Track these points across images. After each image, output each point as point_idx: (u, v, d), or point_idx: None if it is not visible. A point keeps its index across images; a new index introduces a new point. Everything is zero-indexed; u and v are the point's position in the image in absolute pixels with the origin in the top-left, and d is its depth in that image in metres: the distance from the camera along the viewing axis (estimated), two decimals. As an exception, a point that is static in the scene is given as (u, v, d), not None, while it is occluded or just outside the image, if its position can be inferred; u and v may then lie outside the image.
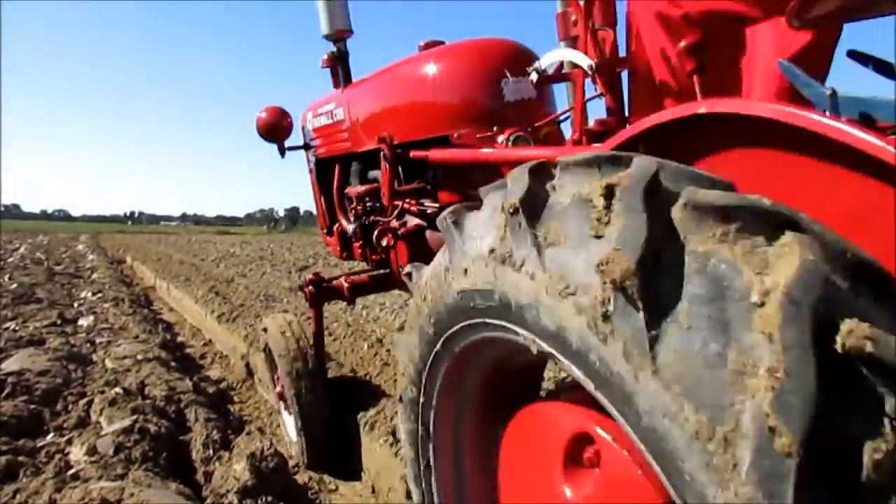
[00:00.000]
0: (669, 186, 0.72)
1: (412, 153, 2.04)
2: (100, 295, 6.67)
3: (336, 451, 2.36)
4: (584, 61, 1.39)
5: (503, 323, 0.91)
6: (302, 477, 2.38)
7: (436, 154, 1.93)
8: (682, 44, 1.23)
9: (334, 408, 2.40)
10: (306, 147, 2.83)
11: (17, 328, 4.54)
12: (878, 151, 0.75)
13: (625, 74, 1.45)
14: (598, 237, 0.73)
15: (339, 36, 2.59)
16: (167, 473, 2.01)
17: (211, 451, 2.28)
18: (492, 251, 0.89)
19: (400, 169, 2.12)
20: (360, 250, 2.41)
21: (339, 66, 2.61)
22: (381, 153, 2.10)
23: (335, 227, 2.61)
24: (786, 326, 0.57)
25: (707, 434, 0.60)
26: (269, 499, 1.94)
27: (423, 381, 1.19)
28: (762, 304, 0.59)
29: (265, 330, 2.57)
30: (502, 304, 0.90)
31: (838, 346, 0.56)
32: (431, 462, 1.26)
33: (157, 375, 3.13)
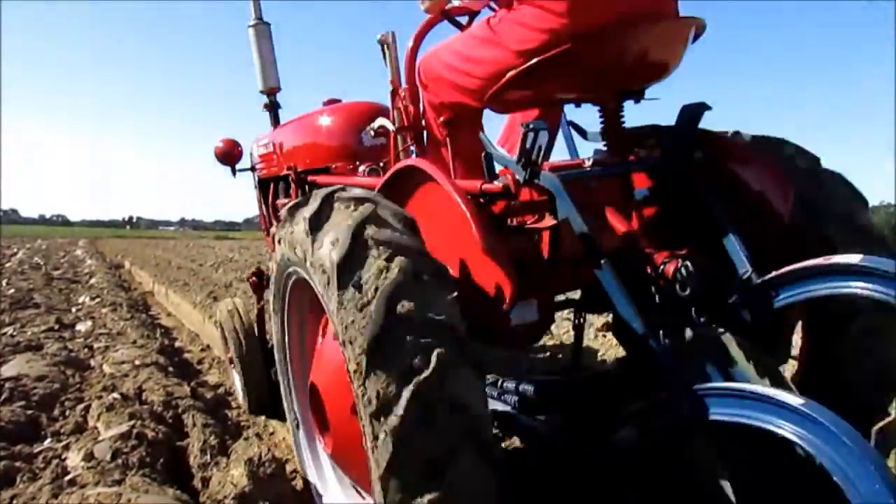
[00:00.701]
0: (375, 231, 1.41)
1: (309, 178, 2.88)
2: (98, 300, 6.66)
3: (273, 401, 2.67)
4: (391, 127, 2.23)
5: (298, 269, 1.71)
6: (300, 483, 2.38)
7: (320, 178, 2.77)
8: (441, 118, 2.07)
9: (270, 368, 2.75)
10: (252, 169, 3.60)
11: (14, 333, 4.54)
12: (458, 192, 1.63)
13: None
14: (333, 243, 1.42)
15: (271, 91, 3.42)
16: (164, 479, 2.00)
17: (208, 457, 2.27)
18: (325, 259, 1.45)
19: (300, 188, 2.92)
20: None
21: (271, 113, 3.45)
22: (289, 177, 2.96)
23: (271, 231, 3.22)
24: (381, 296, 1.29)
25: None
26: None
27: (282, 306, 1.99)
28: (378, 278, 1.31)
29: (218, 311, 3.21)
30: (301, 261, 1.61)
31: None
32: (287, 356, 2.08)
33: (154, 381, 3.13)
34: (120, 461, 2.05)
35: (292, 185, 2.96)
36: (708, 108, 1.87)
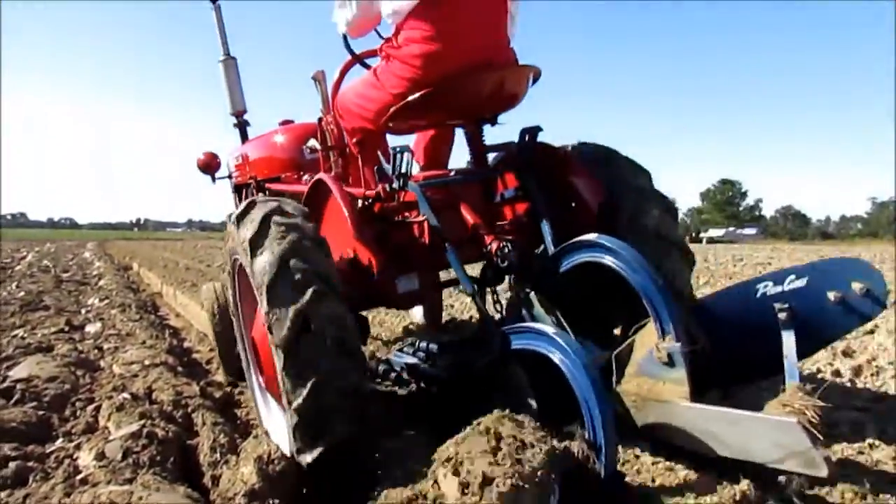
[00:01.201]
0: (278, 217, 2.07)
1: (266, 185, 3.58)
2: (107, 301, 6.70)
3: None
4: (318, 146, 2.94)
5: (237, 254, 2.28)
6: (310, 480, 2.39)
7: (272, 186, 3.51)
8: (353, 140, 2.69)
9: None
10: (229, 177, 4.23)
11: (25, 335, 4.56)
12: (346, 199, 2.41)
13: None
14: (249, 228, 2.07)
15: (239, 113, 4.17)
16: (175, 477, 2.02)
17: (218, 455, 2.28)
18: (244, 238, 2.09)
19: (261, 193, 3.57)
20: None
21: (240, 130, 4.20)
22: (252, 185, 3.71)
23: None
24: (276, 256, 1.94)
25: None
26: (276, 502, 1.94)
27: (232, 283, 2.60)
28: (277, 246, 1.96)
29: (202, 291, 3.65)
30: (235, 248, 2.26)
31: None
32: (240, 322, 2.67)
33: (164, 380, 3.14)
34: (131, 460, 2.06)
35: (254, 191, 3.66)
36: (540, 129, 2.59)
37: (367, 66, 2.74)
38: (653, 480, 1.97)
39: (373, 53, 2.76)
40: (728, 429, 1.76)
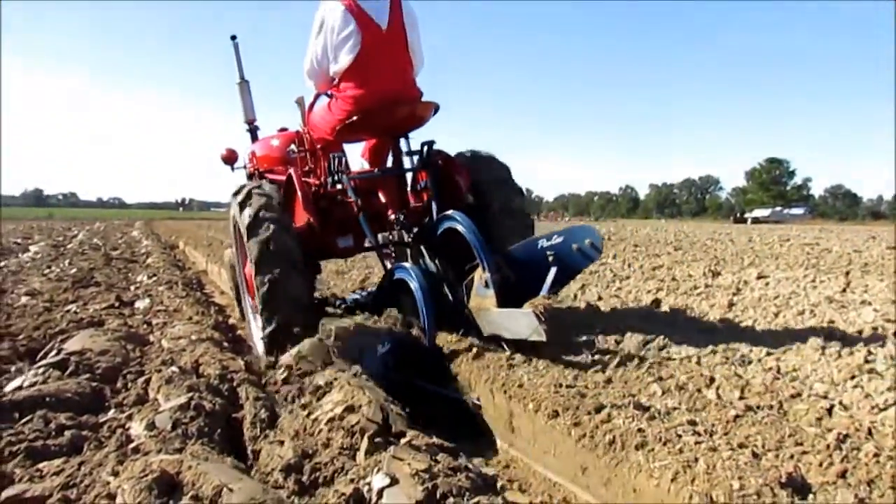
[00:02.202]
0: (257, 191, 3.66)
1: (265, 174, 4.67)
2: (154, 279, 6.87)
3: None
4: (296, 149, 4.16)
5: (236, 219, 3.81)
6: (344, 456, 2.43)
7: (269, 175, 4.60)
8: (319, 146, 4.10)
9: None
10: (244, 167, 5.30)
11: (77, 310, 4.72)
12: (301, 185, 3.91)
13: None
14: (237, 200, 3.68)
15: (250, 121, 5.46)
16: (222, 449, 2.07)
17: (258, 430, 2.34)
18: (237, 203, 3.67)
19: (261, 180, 4.43)
20: None
21: (251, 134, 5.46)
22: (255, 174, 4.83)
23: None
24: (252, 220, 3.48)
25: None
26: (314, 476, 1.99)
27: (234, 242, 4.23)
28: (253, 214, 3.49)
29: (225, 254, 5.24)
30: (237, 213, 3.74)
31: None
32: (238, 269, 4.26)
33: (210, 355, 3.22)
34: (180, 431, 2.13)
35: (257, 178, 4.68)
36: (433, 142, 3.96)
37: (329, 97, 4.10)
38: (454, 350, 3.35)
39: (329, 90, 4.07)
40: (508, 319, 3.06)
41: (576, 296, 5.08)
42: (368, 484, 1.62)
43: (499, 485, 2.21)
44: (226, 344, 3.74)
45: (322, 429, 2.07)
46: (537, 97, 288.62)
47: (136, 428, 2.23)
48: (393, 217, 3.87)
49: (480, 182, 3.97)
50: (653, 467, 1.90)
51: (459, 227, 3.38)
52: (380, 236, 3.81)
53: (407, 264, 3.52)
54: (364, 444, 1.88)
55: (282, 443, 2.03)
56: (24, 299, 5.30)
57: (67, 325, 4.05)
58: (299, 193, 3.85)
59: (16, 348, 3.50)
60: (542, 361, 3.04)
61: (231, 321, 5.04)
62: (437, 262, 3.69)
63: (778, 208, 70.57)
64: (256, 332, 3.77)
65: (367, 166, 4.51)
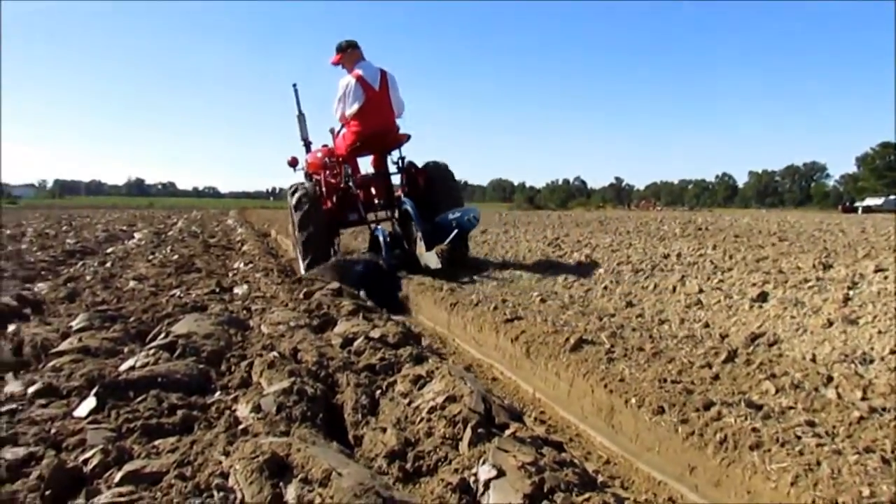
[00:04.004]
0: (300, 189, 7.22)
1: (312, 176, 8.11)
2: (251, 266, 7.14)
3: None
4: (328, 161, 7.81)
5: (290, 202, 7.70)
6: (447, 445, 2.45)
7: (314, 176, 8.08)
8: (340, 159, 7.65)
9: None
10: (303, 170, 8.35)
11: (181, 295, 4.96)
12: (326, 184, 7.83)
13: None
14: (290, 191, 7.50)
15: (305, 139, 8.30)
16: (325, 433, 2.12)
17: (360, 416, 2.38)
18: (290, 193, 7.47)
19: (309, 180, 8.07)
20: None
21: (306, 148, 8.32)
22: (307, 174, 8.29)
23: None
24: (297, 206, 7.20)
25: None
26: (417, 464, 2.01)
27: (291, 218, 7.92)
28: (297, 201, 7.22)
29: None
30: (289, 200, 7.49)
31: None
32: (293, 233, 8.26)
33: (308, 342, 3.30)
34: (284, 414, 2.20)
35: (308, 178, 8.02)
36: (403, 157, 7.50)
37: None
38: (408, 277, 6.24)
39: (344, 125, 7.31)
40: (430, 257, 6.35)
41: (674, 287, 4.93)
42: (474, 474, 1.62)
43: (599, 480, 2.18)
44: (322, 332, 3.82)
45: (424, 417, 2.09)
46: (626, 80, 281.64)
47: (243, 410, 2.31)
48: (377, 202, 7.65)
49: (434, 179, 7.34)
50: (770, 469, 1.81)
51: (408, 208, 6.98)
52: (370, 215, 7.60)
53: (380, 227, 7.31)
54: (467, 434, 1.88)
55: (384, 430, 2.06)
56: (132, 283, 5.61)
57: (173, 309, 4.25)
58: (324, 189, 7.51)
59: (127, 330, 3.70)
60: (642, 355, 2.98)
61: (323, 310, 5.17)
62: (399, 228, 7.54)
63: (892, 197, 66.16)
64: (301, 266, 7.11)
65: (371, 171, 7.79)
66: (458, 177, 7.75)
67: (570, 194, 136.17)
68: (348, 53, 7.10)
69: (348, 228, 9.09)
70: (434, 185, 7.25)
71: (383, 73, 7.03)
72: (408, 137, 7.30)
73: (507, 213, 30.50)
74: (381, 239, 6.88)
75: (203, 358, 3.08)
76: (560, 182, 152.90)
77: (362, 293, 5.31)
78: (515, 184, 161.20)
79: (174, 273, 6.33)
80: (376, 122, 7.01)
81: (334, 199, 7.51)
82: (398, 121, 7.35)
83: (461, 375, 2.34)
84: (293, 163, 8.36)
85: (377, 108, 6.97)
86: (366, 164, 7.93)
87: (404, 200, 7.13)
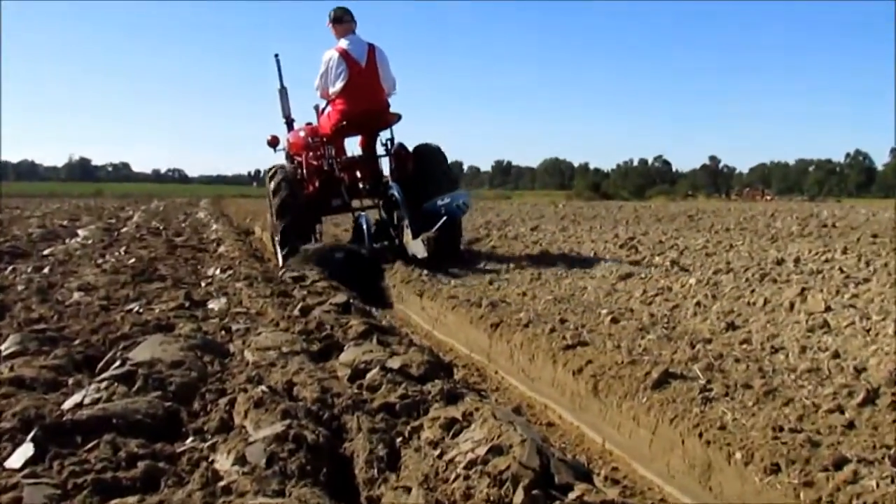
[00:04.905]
0: (280, 171, 9.15)
1: (294, 157, 9.88)
2: (230, 273, 7.24)
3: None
4: (312, 140, 9.55)
5: (268, 187, 9.68)
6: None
7: (295, 157, 9.86)
8: (324, 139, 9.29)
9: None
10: (284, 150, 10.16)
11: (141, 310, 5.05)
12: (308, 165, 9.75)
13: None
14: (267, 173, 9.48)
15: (287, 117, 10.31)
16: (330, 493, 2.14)
17: (375, 471, 2.39)
18: (268, 177, 9.32)
19: (291, 161, 9.92)
20: None
21: (288, 126, 10.26)
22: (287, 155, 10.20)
23: None
24: (275, 187, 8.83)
25: None
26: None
27: (269, 202, 9.93)
28: (275, 183, 8.95)
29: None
30: (268, 184, 9.43)
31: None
32: (270, 217, 10.18)
33: (307, 373, 3.33)
34: (278, 468, 2.22)
35: (290, 159, 9.84)
36: (391, 138, 9.16)
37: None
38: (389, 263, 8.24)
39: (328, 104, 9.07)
40: (416, 245, 8.01)
41: (792, 304, 4.88)
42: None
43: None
44: (323, 362, 3.85)
45: (460, 474, 2.10)
46: (723, 27, 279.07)
47: (223, 461, 2.34)
48: (362, 187, 9.30)
49: (425, 162, 8.87)
50: (926, 551, 1.79)
51: (395, 193, 8.63)
52: (355, 201, 9.28)
53: (363, 213, 9.06)
54: (518, 498, 1.89)
55: (408, 490, 2.07)
56: (76, 295, 5.71)
57: (131, 329, 4.32)
58: (305, 171, 9.23)
59: (71, 356, 3.77)
60: (749, 394, 2.95)
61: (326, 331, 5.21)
62: (385, 215, 9.26)
63: None
64: (278, 255, 8.78)
65: (361, 153, 9.48)
66: (502, 156, 9.32)
67: (648, 180, 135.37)
68: (339, 22, 8.76)
69: (331, 215, 10.56)
70: (425, 168, 8.81)
71: (371, 48, 8.69)
72: (398, 117, 8.93)
73: (564, 205, 30.43)
74: (363, 226, 8.73)
75: (170, 393, 3.12)
76: (635, 163, 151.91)
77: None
78: (576, 165, 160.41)
79: (131, 282, 6.43)
80: (364, 101, 8.64)
81: (316, 183, 9.25)
82: (389, 99, 8.97)
83: (509, 419, 2.34)
84: (273, 142, 10.19)
85: (365, 85, 8.61)
86: (354, 146, 9.65)
87: (391, 185, 8.82)
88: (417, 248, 7.94)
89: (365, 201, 9.62)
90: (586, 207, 26.73)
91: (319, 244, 8.65)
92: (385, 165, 9.62)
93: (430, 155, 8.97)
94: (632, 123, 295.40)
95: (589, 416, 3.49)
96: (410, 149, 9.15)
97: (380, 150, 9.30)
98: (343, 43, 8.68)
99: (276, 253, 9.17)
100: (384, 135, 9.23)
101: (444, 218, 8.06)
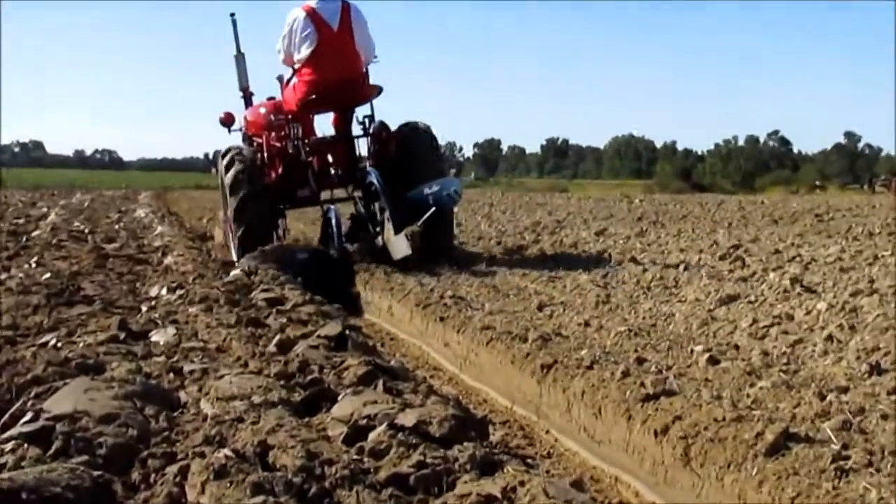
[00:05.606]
0: (237, 155, 10.90)
1: (252, 137, 11.92)
2: (181, 293, 7.22)
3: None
4: (274, 118, 11.30)
5: (222, 175, 12.03)
6: None
7: (255, 138, 11.76)
8: (290, 116, 11.02)
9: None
10: (240, 130, 12.17)
11: (59, 344, 5.02)
12: (270, 148, 11.85)
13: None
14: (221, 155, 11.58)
15: (244, 89, 12.52)
16: None
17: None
18: (223, 164, 11.30)
19: (250, 143, 11.87)
20: None
21: (245, 100, 12.53)
22: (245, 136, 12.43)
23: None
24: (231, 174, 10.56)
25: None
26: None
27: (221, 191, 12.81)
28: (232, 171, 10.56)
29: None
30: (223, 172, 11.50)
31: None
32: (224, 211, 12.94)
33: (286, 431, 3.30)
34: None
35: (248, 141, 11.76)
36: (370, 117, 10.89)
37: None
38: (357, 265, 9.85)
39: (293, 74, 10.73)
40: (397, 242, 9.30)
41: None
42: None
43: None
44: (309, 418, 3.83)
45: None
46: None
47: (173, 555, 2.34)
48: (334, 173, 10.84)
49: (409, 145, 10.22)
50: None
51: (374, 181, 9.82)
52: (325, 193, 10.93)
53: (332, 207, 10.59)
54: None
55: None
56: (-31, 325, 5.69)
57: (45, 371, 4.24)
58: (266, 155, 10.55)
59: (-37, 408, 3.77)
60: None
61: (313, 373, 5.21)
62: (363, 208, 10.54)
63: None
64: (233, 253, 10.34)
65: (333, 132, 10.79)
66: (558, 133, 10.54)
67: (759, 165, 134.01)
68: None
69: (298, 209, 12.35)
70: (409, 152, 10.19)
71: (345, 7, 9.97)
72: (379, 90, 10.46)
73: (642, 200, 30.25)
74: (332, 221, 10.15)
75: (100, 459, 3.11)
76: (741, 142, 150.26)
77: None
78: (658, 146, 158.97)
79: (45, 305, 6.38)
80: (335, 70, 10.02)
81: (279, 169, 10.69)
82: (368, 68, 10.50)
83: (566, 497, 2.34)
84: (228, 121, 11.82)
85: (337, 51, 9.94)
86: (326, 126, 11.28)
87: (369, 171, 10.07)
88: (399, 245, 9.15)
89: (338, 192, 11.16)
90: (673, 203, 26.60)
91: (274, 245, 10.12)
92: (363, 148, 10.94)
93: (416, 137, 10.24)
94: (736, 88, 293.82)
95: (677, 492, 3.47)
96: (393, 128, 10.41)
97: (356, 129, 10.70)
98: (312, 1, 9.86)
99: (230, 249, 11.14)
100: (361, 111, 10.59)
101: (433, 209, 9.15)
